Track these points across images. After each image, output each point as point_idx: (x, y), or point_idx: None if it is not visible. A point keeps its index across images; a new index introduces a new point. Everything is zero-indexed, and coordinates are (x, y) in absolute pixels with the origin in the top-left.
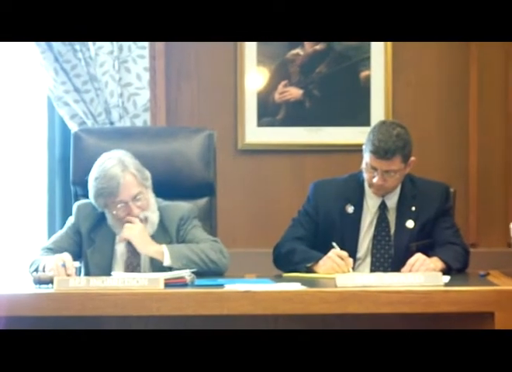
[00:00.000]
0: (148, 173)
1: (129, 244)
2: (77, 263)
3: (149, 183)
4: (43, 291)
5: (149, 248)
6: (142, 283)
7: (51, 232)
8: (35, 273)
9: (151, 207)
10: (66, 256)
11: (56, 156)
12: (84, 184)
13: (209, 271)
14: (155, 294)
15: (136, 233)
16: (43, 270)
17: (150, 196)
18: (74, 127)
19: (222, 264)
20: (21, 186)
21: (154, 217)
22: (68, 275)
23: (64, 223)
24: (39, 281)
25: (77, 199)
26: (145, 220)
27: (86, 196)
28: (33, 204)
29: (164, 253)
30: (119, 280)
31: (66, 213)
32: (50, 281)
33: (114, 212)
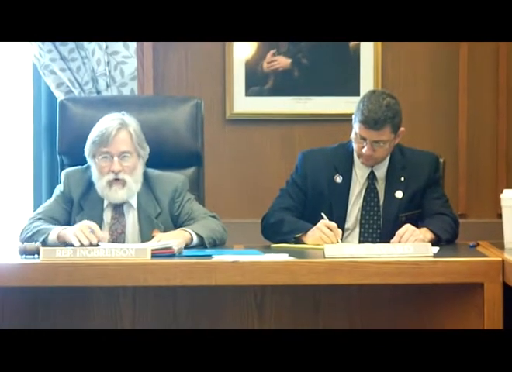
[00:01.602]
0: (147, 147)
1: (114, 210)
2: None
3: (144, 153)
4: (29, 261)
5: (178, 237)
6: (129, 253)
7: (37, 201)
8: (25, 243)
9: (135, 175)
10: (91, 223)
11: (42, 125)
12: (70, 154)
13: (215, 246)
14: (142, 264)
15: (164, 236)
16: (44, 240)
17: (139, 166)
18: (60, 96)
19: (224, 239)
20: (6, 155)
21: (134, 186)
22: (99, 240)
23: (50, 192)
24: (25, 251)
25: (63, 169)
26: (123, 182)
27: (72, 165)
28: (19, 173)
29: (191, 234)
30: (106, 251)
31: (52, 182)
32: (36, 251)
33: (98, 161)
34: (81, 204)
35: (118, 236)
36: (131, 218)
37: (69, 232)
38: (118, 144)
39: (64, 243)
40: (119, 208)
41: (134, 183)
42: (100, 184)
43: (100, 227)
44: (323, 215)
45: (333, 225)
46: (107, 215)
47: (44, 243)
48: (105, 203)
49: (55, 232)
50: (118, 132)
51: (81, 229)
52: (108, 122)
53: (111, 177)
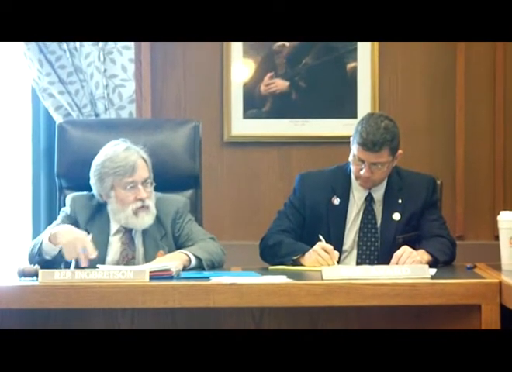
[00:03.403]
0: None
1: (124, 236)
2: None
3: (152, 176)
4: (28, 283)
5: (175, 259)
6: (127, 275)
7: (36, 224)
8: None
9: (153, 200)
10: (86, 240)
11: (40, 148)
12: (69, 176)
13: (213, 268)
14: (141, 286)
15: (162, 259)
16: (40, 248)
17: (153, 191)
18: (59, 119)
19: (223, 261)
20: (5, 178)
21: (154, 210)
22: (90, 259)
23: (49, 215)
24: (24, 274)
25: (61, 191)
26: (147, 208)
27: (71, 189)
28: (18, 196)
29: (189, 256)
30: (105, 273)
31: (51, 205)
32: (35, 274)
33: (123, 192)
34: (87, 229)
35: (128, 261)
36: (137, 242)
37: (61, 240)
38: (141, 171)
39: (56, 244)
40: (129, 234)
41: (154, 207)
42: (124, 214)
43: (105, 252)
44: (320, 237)
45: (330, 247)
46: (114, 241)
47: (40, 250)
48: (113, 229)
49: (46, 234)
50: (137, 161)
51: (76, 247)
52: (121, 150)
53: (138, 204)
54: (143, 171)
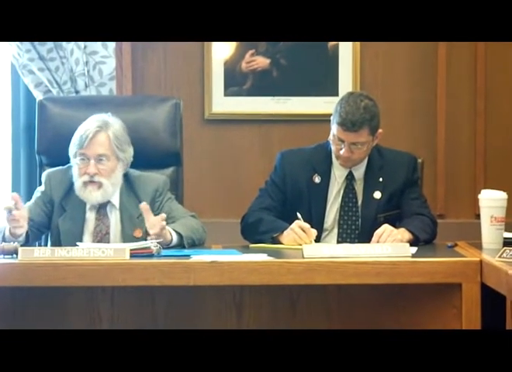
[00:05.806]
0: (131, 151)
1: (98, 212)
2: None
3: (124, 156)
4: (7, 260)
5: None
6: (107, 253)
7: None
8: (3, 243)
9: (113, 178)
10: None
11: (20, 125)
12: (49, 153)
13: (193, 246)
14: (121, 264)
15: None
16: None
17: (118, 169)
18: (39, 95)
19: (204, 239)
20: None
21: (110, 189)
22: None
23: (28, 192)
24: (3, 251)
25: (42, 168)
26: (99, 184)
27: (51, 165)
28: None
29: (170, 232)
30: (85, 251)
31: (30, 182)
32: (15, 251)
33: (76, 162)
34: (62, 205)
35: (103, 237)
36: (114, 219)
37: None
38: (95, 147)
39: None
40: (102, 210)
41: (111, 186)
42: (77, 185)
43: (83, 228)
44: (298, 215)
45: (307, 226)
46: (90, 217)
47: (3, 240)
48: (88, 204)
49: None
50: (95, 135)
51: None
52: (89, 123)
53: (86, 178)
54: (100, 147)
